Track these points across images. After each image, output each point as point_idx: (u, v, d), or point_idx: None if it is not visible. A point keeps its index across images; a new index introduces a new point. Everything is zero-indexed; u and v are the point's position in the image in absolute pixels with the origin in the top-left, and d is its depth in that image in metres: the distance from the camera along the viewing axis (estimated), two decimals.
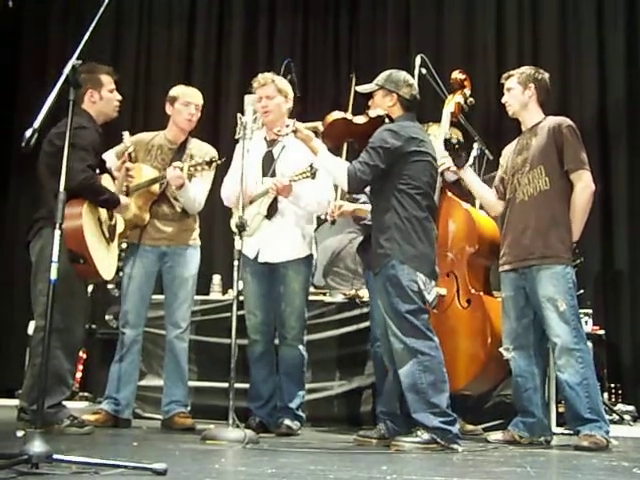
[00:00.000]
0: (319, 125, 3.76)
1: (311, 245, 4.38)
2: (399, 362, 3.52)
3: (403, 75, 3.84)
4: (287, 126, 3.78)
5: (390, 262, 3.54)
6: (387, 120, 3.71)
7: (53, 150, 3.78)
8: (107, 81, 4.10)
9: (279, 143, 4.31)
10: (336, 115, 3.76)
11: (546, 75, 4.16)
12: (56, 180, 3.78)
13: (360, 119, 3.75)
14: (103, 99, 4.05)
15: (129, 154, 4.24)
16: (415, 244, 3.56)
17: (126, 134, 4.35)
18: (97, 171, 3.96)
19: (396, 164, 3.58)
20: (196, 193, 4.40)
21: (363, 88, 3.87)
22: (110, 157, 4.33)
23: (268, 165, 4.29)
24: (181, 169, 4.25)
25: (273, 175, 4.25)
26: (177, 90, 4.56)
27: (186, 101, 4.49)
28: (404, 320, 3.50)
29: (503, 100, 4.17)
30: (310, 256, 4.35)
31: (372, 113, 3.74)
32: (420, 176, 3.62)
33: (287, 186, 4.12)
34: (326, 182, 4.21)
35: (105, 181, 4.08)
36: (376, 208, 3.73)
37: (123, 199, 4.08)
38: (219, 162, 4.34)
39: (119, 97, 4.16)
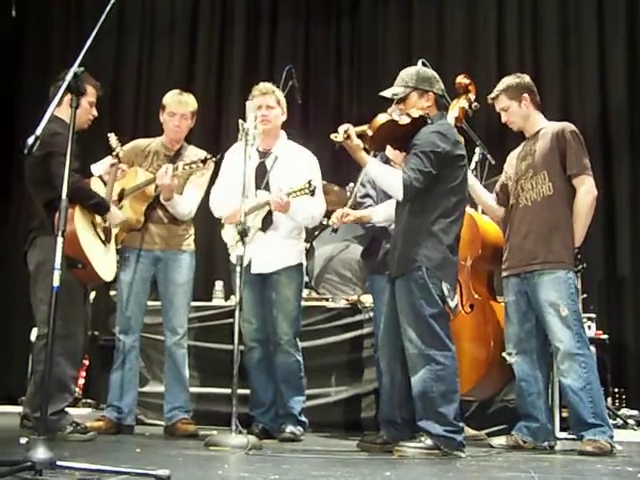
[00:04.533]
0: (367, 129, 3.62)
1: (302, 255, 4.41)
2: (412, 368, 3.48)
3: (430, 71, 3.76)
4: (344, 131, 3.59)
5: (417, 266, 3.49)
6: (429, 120, 3.62)
7: (33, 161, 3.79)
8: (91, 93, 4.08)
9: (271, 154, 4.32)
10: (383, 118, 3.60)
11: (527, 77, 4.14)
12: (42, 190, 3.83)
13: (404, 119, 3.60)
14: (81, 107, 4.03)
15: (117, 154, 4.23)
16: (443, 251, 3.51)
17: (112, 136, 4.33)
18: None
19: (444, 168, 3.52)
20: (186, 202, 4.40)
21: (393, 92, 3.70)
22: (100, 166, 4.32)
23: (261, 177, 4.28)
24: (176, 168, 4.24)
25: (267, 187, 4.25)
26: (167, 98, 4.54)
27: (171, 112, 4.48)
28: (425, 325, 3.45)
29: (503, 120, 4.13)
30: (301, 265, 4.37)
31: (414, 113, 3.61)
32: (462, 181, 3.58)
33: (287, 203, 4.12)
34: (319, 196, 4.24)
35: (95, 184, 4.09)
36: (409, 210, 3.60)
37: (114, 209, 4.07)
38: (214, 160, 4.34)
39: (95, 113, 4.16)
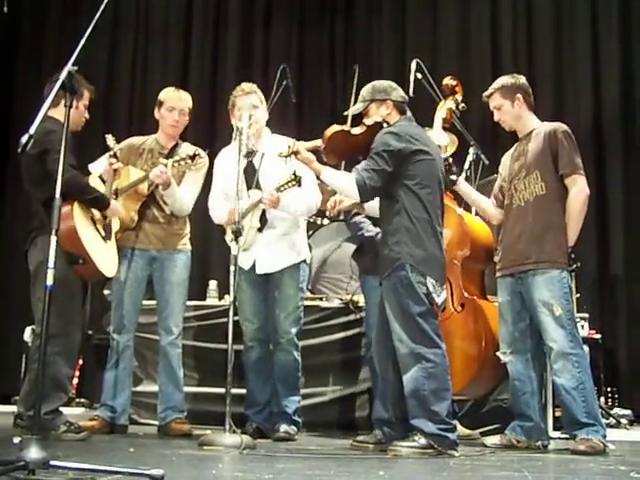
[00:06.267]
0: (319, 143, 3.72)
1: (304, 250, 4.40)
2: (403, 367, 3.50)
3: (386, 82, 3.87)
4: (288, 147, 3.75)
5: (400, 265, 3.51)
6: (385, 125, 3.70)
7: (30, 160, 3.79)
8: (86, 96, 4.12)
9: (258, 153, 4.31)
10: (334, 128, 3.73)
11: (523, 78, 4.16)
12: (40, 189, 3.83)
13: (358, 129, 3.73)
14: (78, 110, 4.03)
15: (115, 153, 4.23)
16: (425, 247, 3.54)
17: (109, 137, 4.32)
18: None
19: (402, 165, 3.56)
20: (184, 195, 4.39)
21: (355, 109, 3.87)
22: (98, 165, 4.32)
23: (251, 177, 4.27)
24: (165, 165, 4.24)
25: (257, 186, 4.25)
26: (163, 94, 4.54)
27: (170, 106, 4.47)
28: (413, 323, 3.47)
29: (495, 119, 4.15)
30: (304, 261, 4.37)
31: (368, 121, 3.73)
32: (428, 175, 3.60)
33: (278, 198, 4.13)
34: (311, 186, 4.25)
35: (93, 182, 4.11)
36: (385, 210, 3.69)
37: (114, 203, 4.08)
38: (202, 156, 4.35)
39: (87, 116, 4.18)
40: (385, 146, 3.56)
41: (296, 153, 3.70)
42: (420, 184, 3.58)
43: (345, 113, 3.98)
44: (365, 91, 3.85)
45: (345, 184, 3.63)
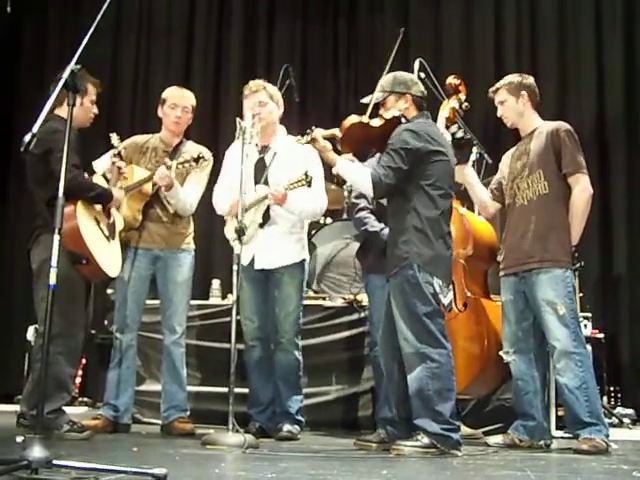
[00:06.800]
0: (336, 132, 3.69)
1: (305, 249, 4.40)
2: (408, 367, 3.49)
3: (408, 75, 3.84)
4: (307, 134, 3.72)
5: (408, 264, 3.50)
6: (403, 120, 3.67)
7: (34, 160, 3.79)
8: (92, 91, 4.11)
9: (270, 150, 4.32)
10: (353, 119, 3.69)
11: (532, 79, 4.17)
12: (43, 188, 3.84)
13: (376, 122, 3.69)
14: (83, 106, 4.02)
15: (119, 152, 4.23)
16: (433, 247, 3.52)
17: (114, 135, 4.31)
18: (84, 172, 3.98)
19: (418, 165, 3.54)
20: (187, 195, 4.39)
21: (374, 98, 3.81)
22: (102, 162, 4.33)
23: (260, 172, 4.28)
24: (169, 167, 4.24)
25: (266, 182, 4.25)
26: (166, 92, 4.57)
27: (173, 104, 4.49)
28: (420, 323, 3.46)
29: (499, 114, 4.16)
30: (304, 261, 4.36)
31: (387, 115, 3.69)
32: (442, 176, 3.59)
33: (284, 195, 4.13)
34: (319, 189, 4.24)
35: (97, 181, 4.11)
36: (395, 208, 3.67)
37: (116, 192, 4.06)
38: (207, 159, 4.35)
39: (96, 111, 4.18)
40: (403, 144, 3.54)
41: (314, 140, 3.68)
42: (434, 185, 3.56)
43: (364, 101, 3.88)
44: (385, 81, 3.81)
45: (359, 178, 3.60)
